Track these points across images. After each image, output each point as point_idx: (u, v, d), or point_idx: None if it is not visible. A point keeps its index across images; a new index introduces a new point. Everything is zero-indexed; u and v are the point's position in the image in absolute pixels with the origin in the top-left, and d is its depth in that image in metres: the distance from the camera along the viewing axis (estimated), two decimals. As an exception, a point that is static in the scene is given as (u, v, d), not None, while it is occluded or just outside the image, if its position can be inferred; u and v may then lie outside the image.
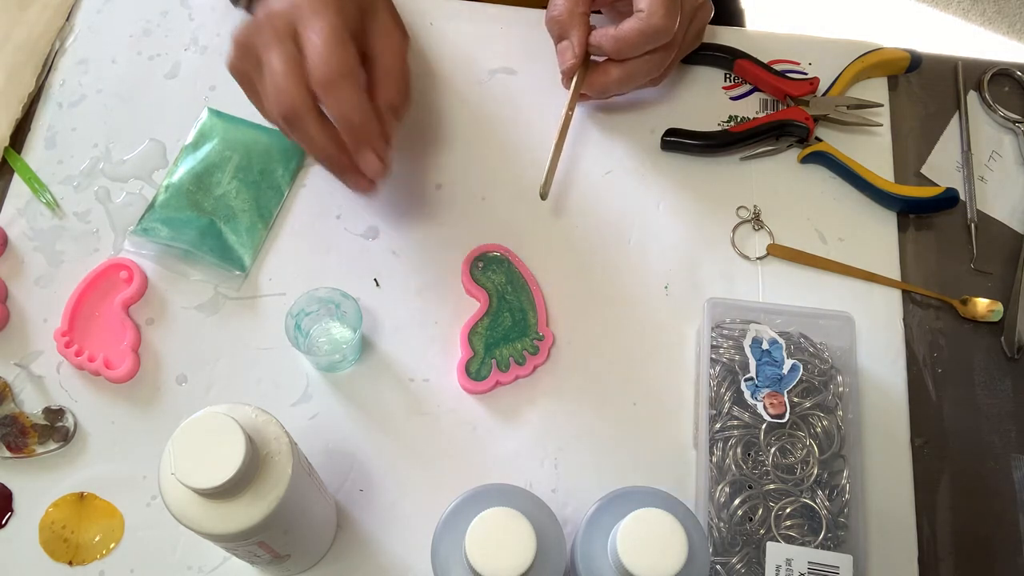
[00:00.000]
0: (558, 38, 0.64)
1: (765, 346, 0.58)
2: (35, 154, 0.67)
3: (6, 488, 0.57)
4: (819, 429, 0.56)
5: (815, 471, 0.55)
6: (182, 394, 0.60)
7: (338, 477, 0.58)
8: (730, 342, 0.58)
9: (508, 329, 0.60)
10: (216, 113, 0.67)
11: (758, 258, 0.64)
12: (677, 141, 0.67)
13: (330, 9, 0.54)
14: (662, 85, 0.69)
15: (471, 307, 0.62)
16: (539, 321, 0.61)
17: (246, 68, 0.57)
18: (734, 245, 0.65)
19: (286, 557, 0.51)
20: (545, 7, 0.73)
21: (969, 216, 0.66)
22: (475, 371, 0.59)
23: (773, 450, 0.56)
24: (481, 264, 0.62)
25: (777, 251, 0.64)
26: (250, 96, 0.59)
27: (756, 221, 0.65)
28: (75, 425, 0.58)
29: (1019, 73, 0.71)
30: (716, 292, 0.62)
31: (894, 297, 0.63)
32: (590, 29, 0.63)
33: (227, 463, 0.41)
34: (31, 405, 0.59)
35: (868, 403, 0.60)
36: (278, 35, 0.54)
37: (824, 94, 0.68)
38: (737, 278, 0.64)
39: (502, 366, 0.59)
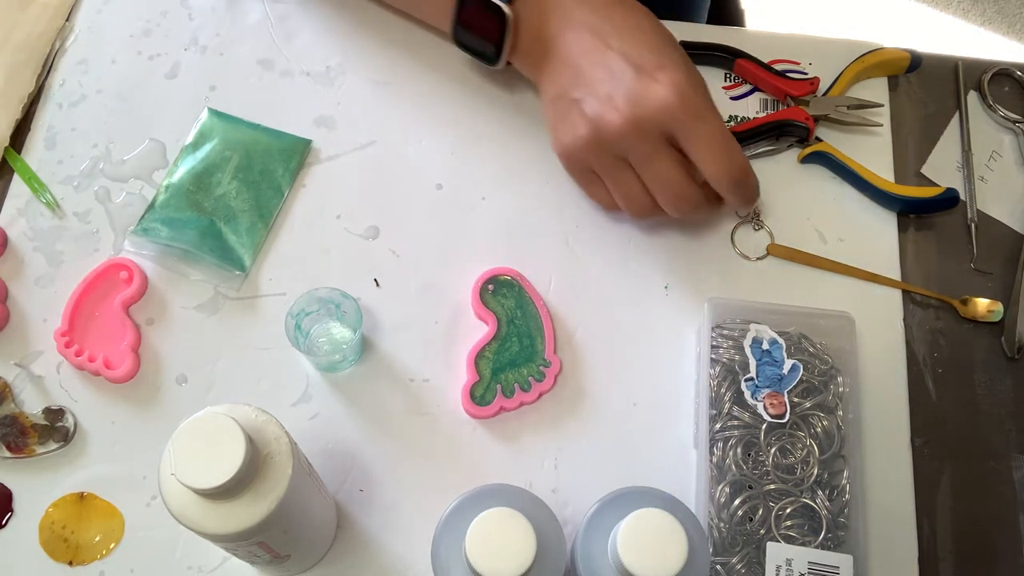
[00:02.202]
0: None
1: (765, 346, 0.58)
2: (35, 154, 0.67)
3: (6, 488, 0.57)
4: (819, 429, 0.56)
5: (815, 471, 0.55)
6: (182, 394, 0.60)
7: (338, 477, 0.58)
8: (730, 342, 0.58)
9: (515, 355, 0.60)
10: (216, 113, 0.67)
11: (758, 258, 0.64)
12: (677, 141, 0.67)
13: (712, 111, 0.56)
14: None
15: (471, 306, 0.62)
16: (547, 348, 0.60)
17: (593, 164, 0.59)
18: (734, 245, 0.65)
19: (286, 557, 0.51)
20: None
21: (969, 216, 0.66)
22: (479, 396, 0.59)
23: (773, 450, 0.56)
24: (491, 287, 0.62)
25: (777, 251, 0.64)
26: (589, 188, 0.63)
27: (756, 221, 0.65)
28: (75, 425, 0.58)
29: (1019, 73, 0.71)
30: (716, 292, 0.62)
31: (894, 297, 0.63)
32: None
33: (227, 463, 0.41)
34: (31, 405, 0.59)
35: (868, 403, 0.59)
36: (654, 142, 0.56)
37: (824, 94, 0.68)
38: (737, 278, 0.64)
39: (507, 392, 0.59)
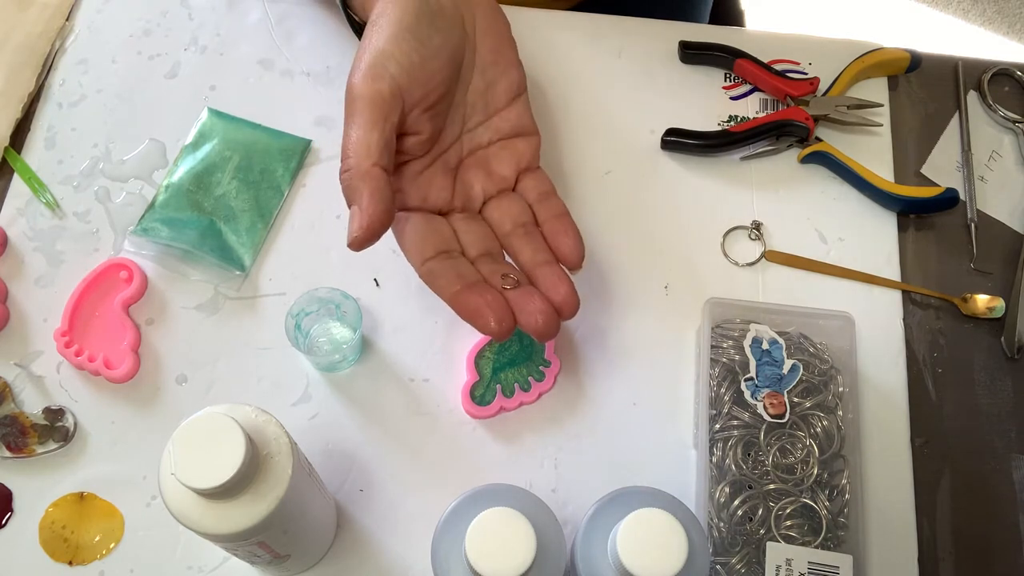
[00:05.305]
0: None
1: (765, 346, 0.58)
2: (35, 154, 0.67)
3: (6, 488, 0.57)
4: (819, 429, 0.56)
5: (815, 471, 0.55)
6: (182, 394, 0.60)
7: (338, 477, 0.58)
8: (730, 342, 0.58)
9: (515, 355, 0.60)
10: (216, 113, 0.67)
11: (749, 264, 0.64)
12: (677, 141, 0.67)
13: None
14: (663, 84, 0.69)
15: (471, 307, 0.62)
16: (547, 348, 0.60)
17: None
18: (727, 255, 0.65)
19: (286, 557, 0.51)
20: (547, 7, 0.73)
21: (969, 216, 0.66)
22: (479, 396, 0.59)
23: (773, 450, 0.56)
24: None
25: (775, 257, 0.64)
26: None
27: (754, 231, 0.65)
28: (75, 425, 0.58)
29: (1019, 73, 0.71)
30: (716, 292, 0.62)
31: (894, 297, 0.63)
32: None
33: (227, 463, 0.41)
34: (31, 405, 0.59)
35: (868, 403, 0.60)
36: None
37: (824, 94, 0.68)
38: (737, 278, 0.64)
39: (507, 392, 0.59)
